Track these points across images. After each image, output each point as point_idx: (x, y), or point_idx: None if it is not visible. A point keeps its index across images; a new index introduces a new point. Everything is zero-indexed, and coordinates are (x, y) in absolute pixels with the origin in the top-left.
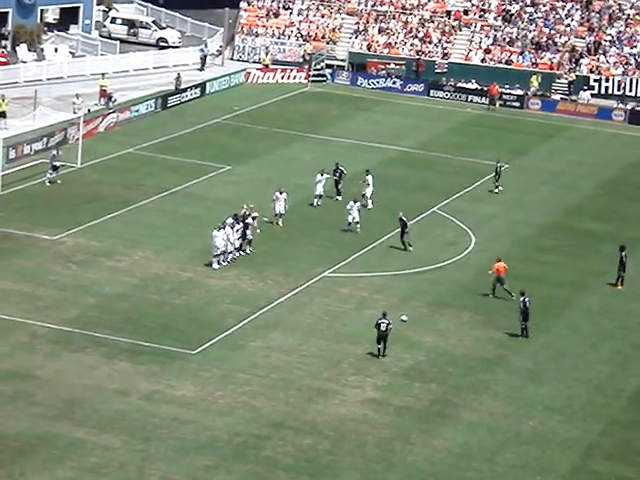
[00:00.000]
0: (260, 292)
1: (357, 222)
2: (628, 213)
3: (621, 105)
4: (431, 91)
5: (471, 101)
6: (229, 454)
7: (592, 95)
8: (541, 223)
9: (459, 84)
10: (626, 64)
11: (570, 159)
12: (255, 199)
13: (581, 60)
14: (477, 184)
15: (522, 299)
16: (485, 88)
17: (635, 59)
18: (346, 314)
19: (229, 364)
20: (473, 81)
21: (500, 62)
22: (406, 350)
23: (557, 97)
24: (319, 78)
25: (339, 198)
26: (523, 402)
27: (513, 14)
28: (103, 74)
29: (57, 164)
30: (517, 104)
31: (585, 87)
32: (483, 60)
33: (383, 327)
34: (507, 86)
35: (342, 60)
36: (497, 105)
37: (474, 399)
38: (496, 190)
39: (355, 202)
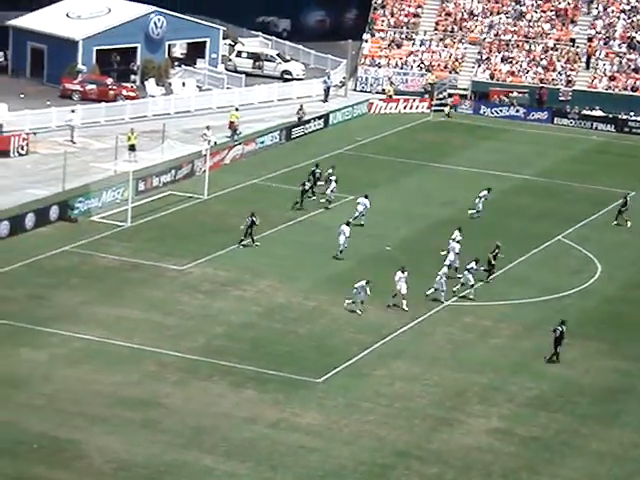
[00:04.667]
0: (383, 321)
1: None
2: None
3: None
4: (555, 119)
5: (596, 128)
6: None
7: None
8: None
9: (583, 112)
10: None
11: None
12: (378, 228)
13: None
14: (602, 212)
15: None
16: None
17: None
18: (469, 343)
19: (353, 392)
20: (597, 108)
21: (625, 89)
22: (531, 380)
23: None
24: (441, 107)
25: (314, 198)
26: None
27: (638, 41)
28: (237, 108)
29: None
30: None
31: None
32: (608, 87)
33: (558, 333)
34: (632, 113)
35: (465, 89)
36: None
37: (602, 429)
38: (628, 225)
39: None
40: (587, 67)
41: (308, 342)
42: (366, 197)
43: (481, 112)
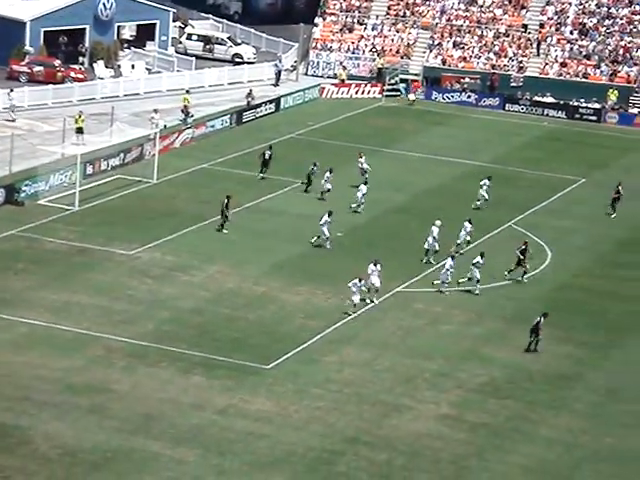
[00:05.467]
0: (333, 307)
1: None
2: None
3: None
4: (506, 105)
5: (547, 115)
6: (303, 469)
7: None
8: (619, 238)
9: (535, 98)
10: None
11: None
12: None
13: None
14: (553, 198)
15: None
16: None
17: None
18: (420, 329)
19: (303, 379)
20: (549, 95)
21: (577, 75)
22: (481, 366)
23: (635, 111)
24: (393, 93)
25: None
26: (602, 419)
27: (590, 27)
28: (188, 91)
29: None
30: (594, 118)
31: None
32: (559, 74)
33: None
34: (583, 100)
35: (416, 74)
36: (413, 98)
37: (551, 415)
38: (612, 215)
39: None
40: (538, 53)
41: (257, 328)
42: (365, 184)
43: (433, 98)
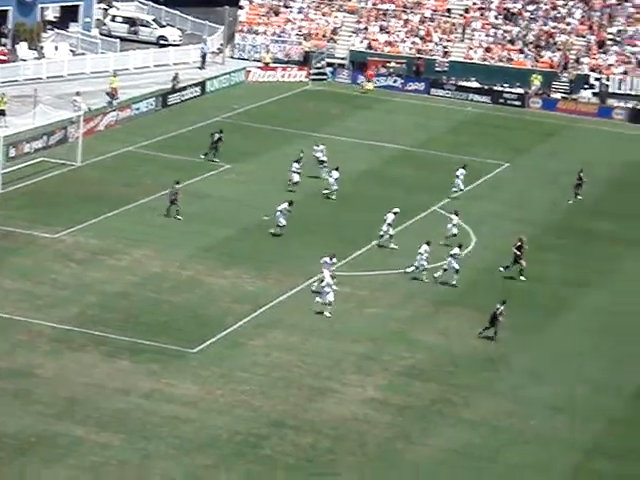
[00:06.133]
0: (260, 291)
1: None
2: (629, 212)
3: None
4: (432, 90)
5: (472, 100)
6: (229, 453)
7: (593, 94)
8: (542, 222)
9: (460, 83)
10: (627, 63)
11: (571, 158)
12: (256, 197)
13: (582, 59)
14: (477, 183)
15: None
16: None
17: (636, 58)
18: (347, 313)
19: (229, 363)
20: (473, 79)
21: (501, 60)
22: (407, 349)
23: (558, 96)
24: (320, 76)
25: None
26: (524, 401)
27: (514, 13)
28: (115, 73)
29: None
30: (518, 103)
31: (586, 86)
32: (484, 59)
33: (497, 311)
34: (507, 85)
35: (343, 58)
36: (370, 87)
37: (476, 398)
38: (579, 197)
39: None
40: (463, 38)
41: (184, 312)
42: (337, 169)
43: (359, 82)
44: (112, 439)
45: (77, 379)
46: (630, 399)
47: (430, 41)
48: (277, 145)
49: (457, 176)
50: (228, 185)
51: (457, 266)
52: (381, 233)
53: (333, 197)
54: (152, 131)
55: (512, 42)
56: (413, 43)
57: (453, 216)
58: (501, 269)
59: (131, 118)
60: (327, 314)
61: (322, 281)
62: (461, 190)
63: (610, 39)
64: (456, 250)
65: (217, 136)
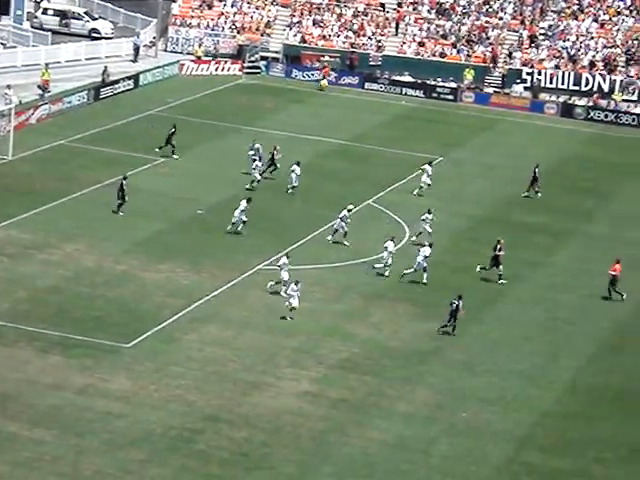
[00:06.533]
0: (195, 285)
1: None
2: (561, 205)
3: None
4: (366, 84)
5: (405, 94)
6: (163, 448)
7: (525, 88)
8: (475, 215)
9: (393, 77)
10: (558, 57)
11: (504, 152)
12: (190, 191)
13: (514, 53)
14: (411, 177)
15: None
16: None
17: (567, 52)
18: (281, 307)
19: (163, 357)
20: (407, 74)
21: (434, 55)
22: (341, 342)
23: (490, 90)
24: (253, 70)
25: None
26: (457, 394)
27: (446, 7)
28: (47, 66)
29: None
30: (451, 97)
31: (518, 80)
32: (417, 53)
33: (454, 306)
34: (440, 79)
35: (276, 52)
36: (325, 84)
37: (409, 391)
38: (538, 195)
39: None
40: (396, 32)
41: (117, 307)
42: (298, 164)
43: (293, 75)
44: (45, 435)
45: (9, 375)
46: (562, 391)
47: (364, 35)
48: (211, 139)
49: (423, 171)
50: (162, 179)
51: (425, 264)
52: (335, 227)
53: (290, 192)
54: (84, 124)
55: (445, 37)
56: (347, 37)
57: (427, 215)
58: (478, 269)
59: (63, 111)
60: (289, 318)
61: (279, 282)
62: (429, 185)
63: (542, 33)
64: (427, 250)
65: (171, 130)
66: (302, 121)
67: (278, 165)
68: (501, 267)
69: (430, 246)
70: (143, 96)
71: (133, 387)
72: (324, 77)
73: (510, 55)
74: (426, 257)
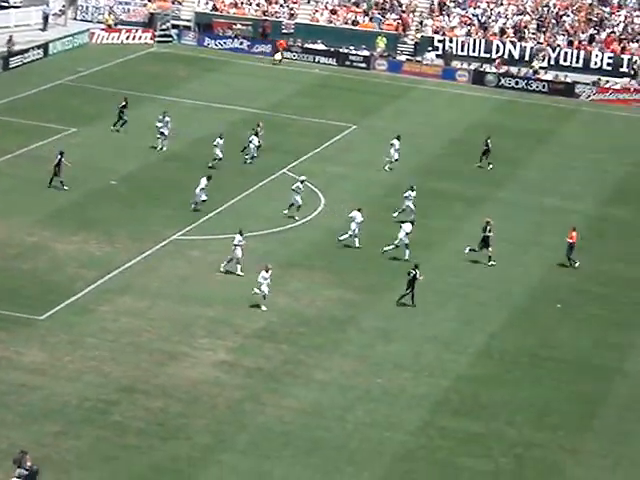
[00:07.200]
0: (108, 256)
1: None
2: (473, 172)
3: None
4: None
5: (319, 62)
6: (78, 419)
7: (437, 56)
8: (389, 183)
9: (306, 45)
10: (469, 25)
11: (416, 120)
12: (103, 161)
13: (425, 21)
14: (325, 145)
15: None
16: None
17: (478, 19)
18: (196, 277)
19: (78, 329)
20: (320, 42)
21: (347, 23)
22: (258, 311)
23: (403, 58)
24: (165, 39)
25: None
26: (373, 360)
27: None
28: None
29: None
30: (363, 65)
31: (430, 48)
32: (329, 21)
33: (411, 276)
34: (353, 47)
35: (188, 20)
36: (280, 57)
37: (325, 359)
38: (489, 167)
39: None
40: (309, 0)
41: (30, 279)
42: (220, 137)
43: (205, 44)
44: None
45: None
46: (475, 356)
47: (276, 3)
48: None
49: (392, 145)
50: (74, 149)
51: (407, 240)
52: (292, 201)
53: (211, 165)
54: None
55: (357, 4)
56: (258, 5)
57: (410, 192)
58: (467, 250)
59: None
60: (264, 308)
61: (231, 260)
62: (396, 160)
63: (452, 1)
64: (408, 227)
65: (122, 103)
66: (216, 90)
67: (261, 142)
68: (491, 248)
69: (412, 223)
70: (53, 65)
71: (48, 359)
72: (279, 50)
73: (421, 23)
74: (407, 234)
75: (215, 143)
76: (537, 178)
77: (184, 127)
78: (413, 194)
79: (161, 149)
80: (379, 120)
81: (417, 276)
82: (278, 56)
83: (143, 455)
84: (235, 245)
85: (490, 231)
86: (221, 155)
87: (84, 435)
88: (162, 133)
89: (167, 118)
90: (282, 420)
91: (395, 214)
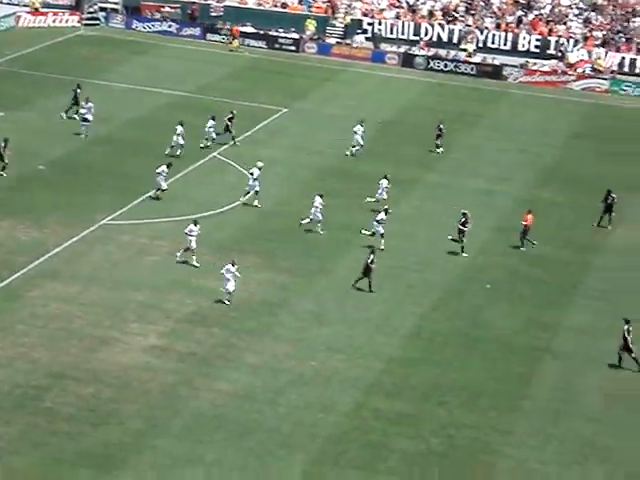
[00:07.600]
0: (37, 241)
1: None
2: (403, 154)
3: (394, 48)
4: (207, 35)
5: (248, 45)
6: (8, 406)
7: (366, 39)
8: (321, 167)
9: (235, 27)
10: (398, 7)
11: (346, 103)
12: (31, 146)
13: (354, 3)
14: (256, 128)
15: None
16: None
17: (407, 2)
18: (126, 261)
19: (7, 315)
20: (249, 24)
21: (276, 5)
22: (189, 296)
23: (332, 41)
24: (92, 22)
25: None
26: (306, 343)
27: None
28: None
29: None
30: (293, 48)
31: (359, 31)
32: (259, 4)
33: (369, 261)
34: (282, 30)
35: (116, 3)
36: (237, 44)
37: (257, 342)
38: (438, 151)
39: None
40: None
41: None
42: (181, 124)
43: (133, 27)
44: None
45: None
46: (406, 338)
47: None
48: (51, 92)
49: (355, 132)
50: (2, 133)
51: (382, 230)
52: (248, 188)
53: (178, 153)
54: None
55: None
56: None
57: (384, 180)
58: (449, 238)
59: None
60: (227, 302)
61: (187, 250)
62: (361, 146)
63: None
64: (382, 215)
65: (77, 90)
66: (144, 73)
67: (233, 131)
68: (464, 239)
69: (385, 212)
70: None
71: None
72: (235, 37)
73: (350, 5)
74: (379, 222)
75: (179, 132)
76: (466, 160)
77: (113, 110)
78: (386, 182)
79: (86, 137)
80: (309, 103)
81: (372, 261)
82: (236, 42)
83: (73, 441)
84: (189, 235)
85: (466, 223)
86: (182, 141)
87: (15, 421)
88: (85, 119)
89: (90, 104)
90: (215, 404)
91: (367, 200)
